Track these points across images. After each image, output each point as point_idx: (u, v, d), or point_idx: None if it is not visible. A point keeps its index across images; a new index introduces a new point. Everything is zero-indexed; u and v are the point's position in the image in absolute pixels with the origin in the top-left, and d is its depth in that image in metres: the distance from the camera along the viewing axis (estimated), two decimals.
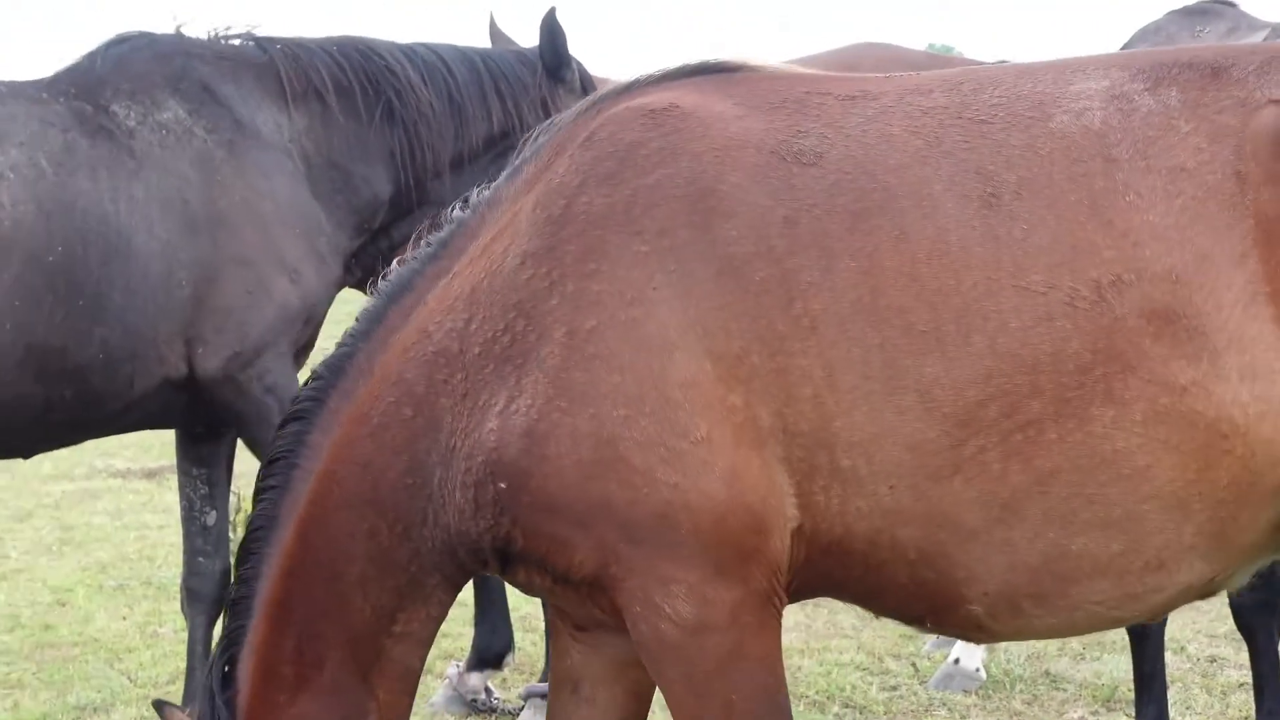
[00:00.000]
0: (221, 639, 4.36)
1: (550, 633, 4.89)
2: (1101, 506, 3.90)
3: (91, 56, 6.76)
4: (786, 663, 7.89)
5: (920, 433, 3.88)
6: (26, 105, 6.32)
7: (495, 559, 4.19)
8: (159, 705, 4.44)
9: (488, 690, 7.74)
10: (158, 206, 6.33)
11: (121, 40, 6.82)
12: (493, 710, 7.65)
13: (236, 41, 6.94)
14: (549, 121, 4.42)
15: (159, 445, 15.17)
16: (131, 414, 6.48)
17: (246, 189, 6.44)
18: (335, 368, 4.31)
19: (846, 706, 7.61)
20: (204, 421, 6.77)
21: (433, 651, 8.25)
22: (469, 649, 7.97)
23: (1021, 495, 3.91)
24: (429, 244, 4.35)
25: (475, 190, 4.39)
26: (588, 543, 4.00)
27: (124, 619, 9.40)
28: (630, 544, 3.95)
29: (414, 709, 7.49)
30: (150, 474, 14.22)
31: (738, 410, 3.91)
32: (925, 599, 4.10)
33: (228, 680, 4.31)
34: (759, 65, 4.36)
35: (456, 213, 4.35)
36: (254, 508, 4.34)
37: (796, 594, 4.19)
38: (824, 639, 8.53)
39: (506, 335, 4.04)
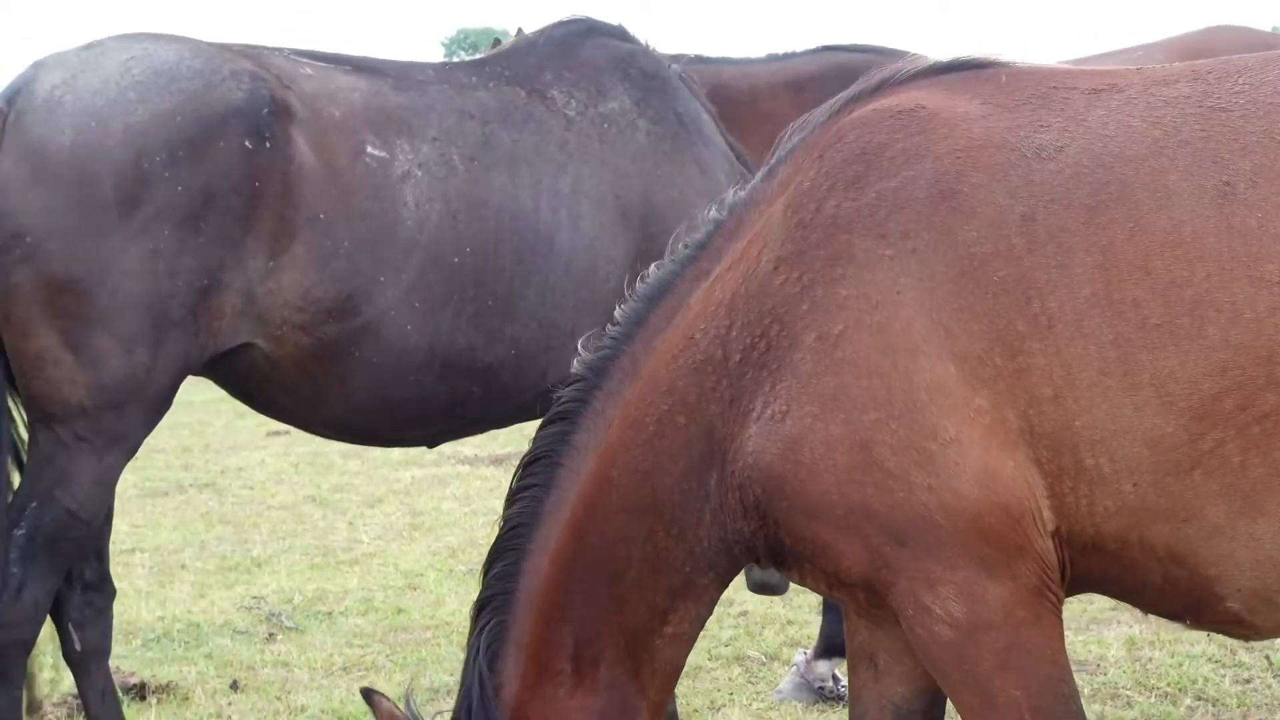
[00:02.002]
0: (482, 634, 4.55)
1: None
2: None
3: (533, 37, 6.79)
4: (1138, 655, 7.79)
5: (1159, 428, 3.95)
6: (448, 94, 6.46)
7: (768, 557, 4.43)
8: (367, 694, 4.60)
9: (835, 678, 7.77)
10: (586, 201, 6.43)
11: (564, 23, 6.85)
12: (840, 698, 7.67)
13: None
14: (802, 120, 4.58)
15: (505, 433, 15.52)
16: (539, 406, 6.54)
17: (685, 184, 6.47)
18: (598, 369, 4.51)
19: (1199, 699, 7.51)
20: None
21: (779, 638, 8.49)
22: (816, 636, 7.94)
23: (1262, 488, 3.94)
24: (686, 246, 4.54)
25: (731, 190, 4.58)
26: (852, 547, 4.16)
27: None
28: (895, 547, 4.10)
29: (761, 696, 7.57)
30: (497, 460, 14.58)
31: (985, 412, 4.03)
32: (1180, 596, 4.18)
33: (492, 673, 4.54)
34: (1008, 62, 4.48)
35: (712, 214, 4.55)
36: (511, 505, 4.58)
37: (1068, 591, 4.31)
38: (1175, 630, 8.39)
39: (763, 341, 4.23)
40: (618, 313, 4.54)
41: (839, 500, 4.07)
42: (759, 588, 7.76)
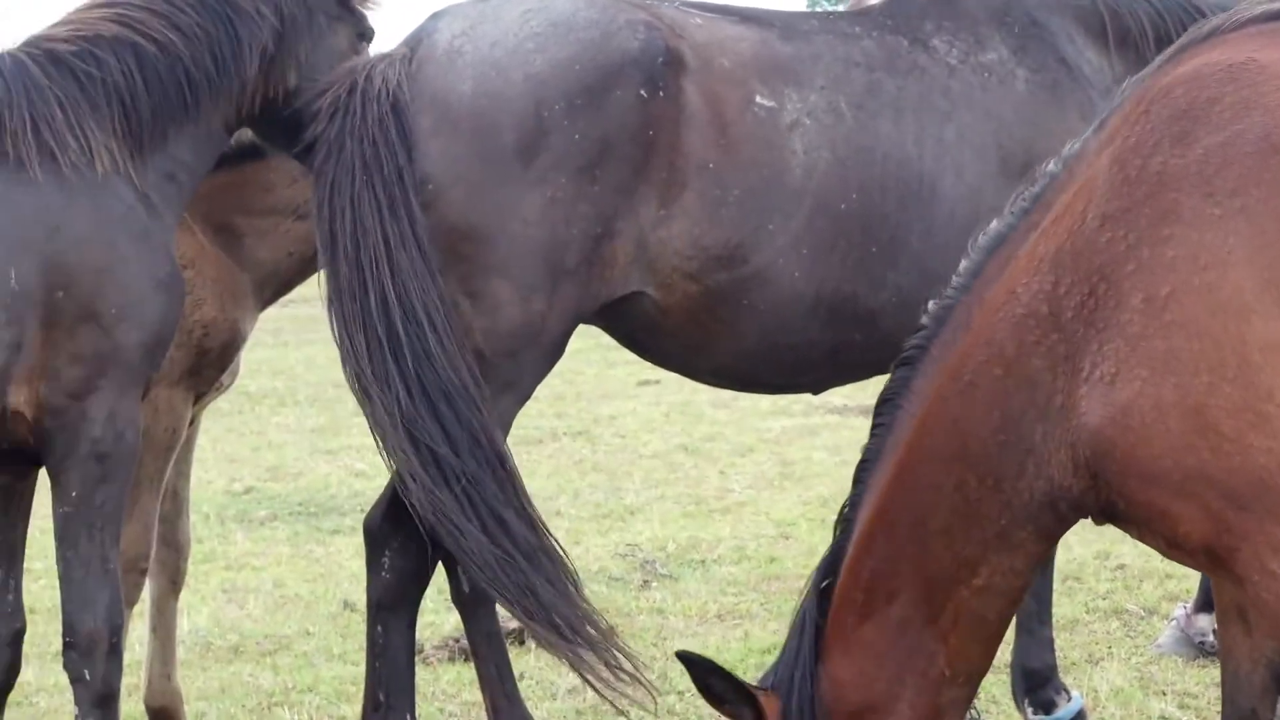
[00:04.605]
0: (825, 557, 4.87)
1: None
2: None
3: None
4: None
5: None
6: (833, 44, 6.53)
7: (1101, 515, 4.44)
8: (682, 656, 4.89)
9: (1215, 632, 7.63)
10: (969, 150, 6.46)
11: None
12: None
13: None
14: (1140, 74, 4.57)
15: (874, 383, 15.58)
16: None
17: (1065, 132, 6.41)
18: (939, 318, 4.64)
19: None
20: None
21: (1158, 592, 8.47)
22: (1195, 590, 7.92)
23: None
24: (1024, 199, 4.60)
25: (1069, 143, 4.61)
26: (1190, 512, 4.15)
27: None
28: (1236, 511, 4.07)
29: (1140, 650, 7.57)
30: (867, 411, 14.54)
31: None
32: None
33: (825, 595, 4.78)
34: None
35: (1050, 167, 4.58)
36: (869, 440, 4.79)
37: None
38: None
39: (1091, 299, 4.23)
40: (961, 264, 4.66)
41: (1173, 466, 4.08)
42: None
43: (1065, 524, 4.53)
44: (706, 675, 4.74)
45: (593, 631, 6.04)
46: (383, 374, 5.91)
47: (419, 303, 5.88)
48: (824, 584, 4.78)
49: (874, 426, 4.74)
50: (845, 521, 4.78)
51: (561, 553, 6.15)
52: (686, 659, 4.75)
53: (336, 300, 6.00)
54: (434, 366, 5.87)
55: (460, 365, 5.89)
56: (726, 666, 7.70)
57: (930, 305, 4.70)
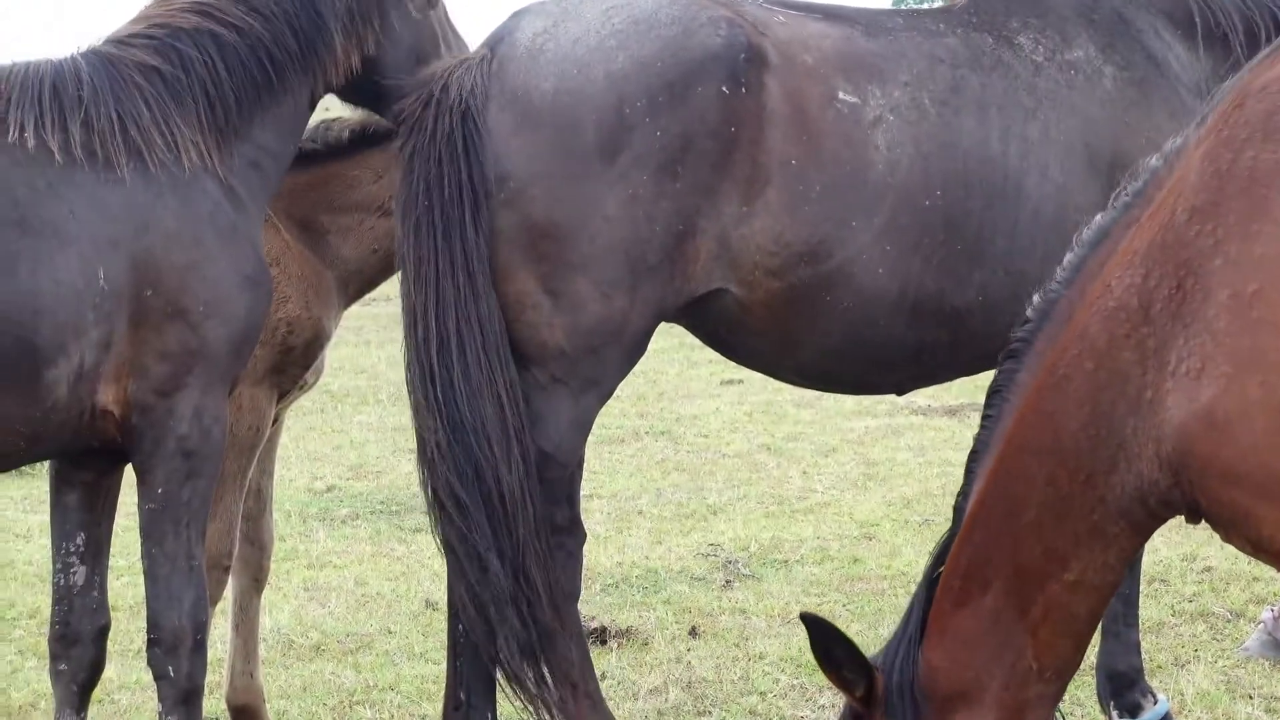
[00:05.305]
0: (939, 544, 4.93)
1: None
2: None
3: None
4: None
5: None
6: (917, 40, 6.53)
7: (1188, 513, 4.43)
8: (805, 617, 4.86)
9: None
10: (1055, 148, 6.44)
11: None
12: None
13: None
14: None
15: (959, 383, 15.53)
16: None
17: (1153, 130, 6.40)
18: (1042, 312, 4.67)
19: None
20: None
21: (1244, 595, 8.42)
22: None
23: None
24: (1126, 194, 4.59)
25: (1172, 138, 4.60)
26: (1274, 515, 4.13)
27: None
28: None
29: (1227, 653, 7.52)
30: (951, 411, 14.62)
31: None
32: None
33: (936, 582, 4.84)
34: None
35: (1153, 162, 4.57)
36: (979, 430, 4.82)
37: None
38: None
39: (1179, 293, 4.23)
40: (1066, 258, 4.67)
41: (1257, 466, 4.07)
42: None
43: (1157, 520, 4.52)
44: (829, 640, 4.75)
45: (550, 689, 6.16)
46: (423, 403, 6.08)
47: (454, 332, 6.00)
48: (936, 571, 4.84)
49: (983, 418, 4.79)
50: (957, 511, 4.82)
51: (548, 600, 6.17)
52: (810, 620, 4.75)
53: (404, 323, 6.17)
54: (455, 400, 6.00)
55: (482, 400, 6.00)
56: (809, 667, 7.77)
57: (1035, 298, 4.74)
